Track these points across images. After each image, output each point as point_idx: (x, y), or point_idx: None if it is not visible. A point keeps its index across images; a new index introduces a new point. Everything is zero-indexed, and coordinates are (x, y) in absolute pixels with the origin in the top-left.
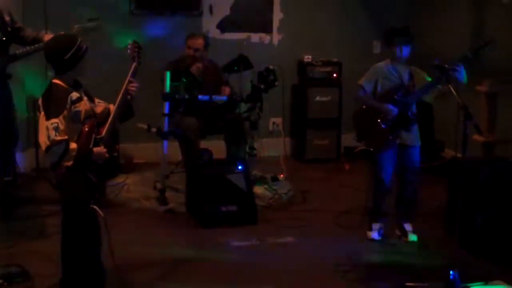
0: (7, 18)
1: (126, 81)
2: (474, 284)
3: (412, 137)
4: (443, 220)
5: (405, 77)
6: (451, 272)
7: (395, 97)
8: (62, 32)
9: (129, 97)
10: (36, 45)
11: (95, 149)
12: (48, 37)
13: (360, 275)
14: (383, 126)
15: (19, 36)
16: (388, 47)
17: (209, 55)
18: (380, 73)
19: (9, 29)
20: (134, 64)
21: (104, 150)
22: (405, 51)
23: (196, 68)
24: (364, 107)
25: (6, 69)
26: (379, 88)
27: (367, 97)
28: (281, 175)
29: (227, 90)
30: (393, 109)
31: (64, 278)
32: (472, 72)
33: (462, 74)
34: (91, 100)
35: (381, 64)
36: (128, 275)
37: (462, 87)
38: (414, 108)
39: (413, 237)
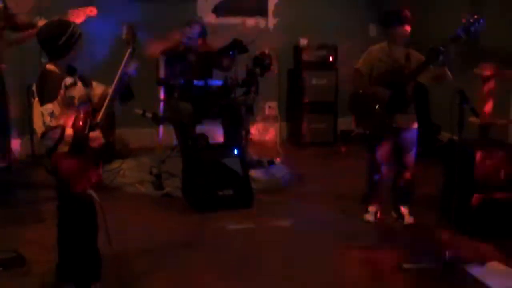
0: (0, 5)
1: (122, 65)
2: (471, 265)
3: (408, 119)
4: (439, 203)
5: (401, 59)
6: (447, 253)
7: (389, 79)
8: (56, 18)
9: (127, 78)
10: (30, 31)
11: (91, 134)
12: (42, 23)
13: (357, 257)
14: (379, 109)
15: (14, 22)
16: (385, 29)
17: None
18: (376, 56)
19: (3, 15)
20: (129, 49)
21: (100, 135)
22: (402, 33)
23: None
24: (360, 91)
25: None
26: (374, 70)
27: (363, 81)
28: (277, 159)
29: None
30: (386, 92)
31: (60, 263)
32: (469, 55)
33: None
34: (87, 84)
35: (377, 47)
36: (124, 260)
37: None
38: (409, 89)
39: (409, 220)
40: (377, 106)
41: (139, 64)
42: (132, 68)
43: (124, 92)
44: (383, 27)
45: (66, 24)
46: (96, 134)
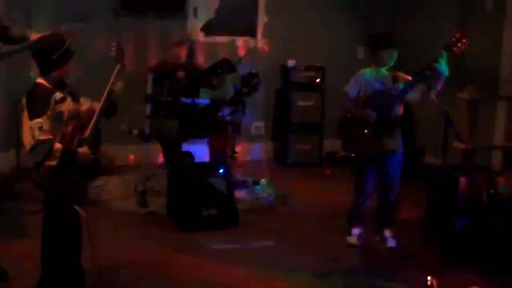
0: None
1: (110, 82)
2: None
3: (395, 143)
4: (422, 226)
5: (388, 82)
6: (428, 278)
7: (375, 102)
8: (51, 32)
9: (113, 95)
10: (23, 44)
11: (79, 150)
12: (35, 36)
13: (339, 279)
14: (367, 132)
15: (6, 35)
16: (372, 53)
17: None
18: (363, 79)
19: None
20: (118, 66)
21: (88, 151)
22: (389, 56)
23: (181, 74)
24: (348, 115)
25: None
26: (362, 93)
27: (351, 104)
28: (263, 179)
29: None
30: (372, 114)
31: (43, 278)
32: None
33: (442, 67)
34: (75, 99)
35: (365, 70)
36: (107, 276)
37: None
38: (396, 112)
39: (392, 243)
40: (366, 130)
41: (126, 81)
42: (118, 87)
43: (109, 108)
44: (370, 50)
45: (62, 40)
46: (84, 150)
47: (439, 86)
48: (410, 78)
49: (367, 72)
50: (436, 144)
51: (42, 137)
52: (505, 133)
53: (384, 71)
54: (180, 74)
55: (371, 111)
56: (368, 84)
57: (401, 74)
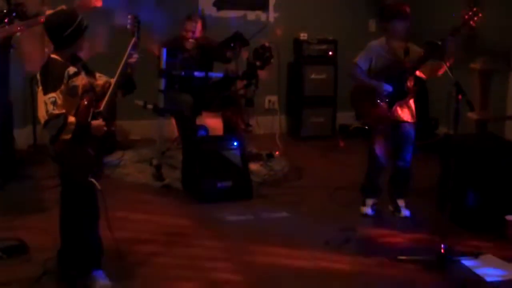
0: None
1: (126, 55)
2: (466, 257)
3: (408, 113)
4: (435, 196)
5: (400, 53)
6: (442, 246)
7: (388, 73)
8: (64, 7)
9: (129, 70)
10: (34, 19)
11: (94, 122)
12: (49, 12)
13: (353, 249)
14: (380, 103)
15: (22, 11)
16: (384, 24)
17: (206, 33)
18: (375, 51)
19: (12, 3)
20: (134, 39)
21: (103, 123)
22: (402, 28)
23: (190, 44)
24: (360, 85)
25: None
26: (374, 65)
27: (362, 75)
28: (277, 152)
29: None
30: (387, 87)
31: (62, 250)
32: (466, 50)
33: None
34: (90, 74)
35: (376, 42)
36: (125, 249)
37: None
38: (408, 83)
39: (405, 213)
40: (378, 101)
41: (141, 55)
42: (134, 59)
43: (127, 84)
44: (382, 22)
45: (73, 15)
46: (99, 122)
47: (450, 60)
48: (421, 50)
49: (378, 44)
50: (449, 115)
51: (56, 111)
52: None
53: (395, 43)
54: (189, 44)
55: (385, 84)
56: (379, 55)
57: (413, 46)
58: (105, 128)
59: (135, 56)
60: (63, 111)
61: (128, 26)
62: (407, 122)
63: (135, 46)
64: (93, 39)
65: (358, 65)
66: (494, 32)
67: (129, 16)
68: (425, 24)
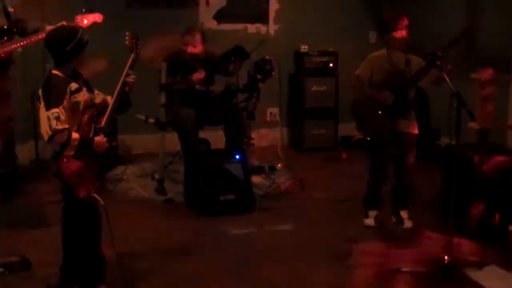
0: (10, 10)
1: (124, 73)
2: (470, 269)
3: (410, 124)
4: (438, 207)
5: (401, 64)
6: (446, 257)
7: (390, 84)
8: (65, 23)
9: (127, 88)
10: (35, 35)
11: (96, 138)
12: (50, 28)
13: (357, 261)
14: (381, 114)
15: (22, 28)
16: (384, 35)
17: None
18: (376, 62)
19: (12, 20)
20: (132, 55)
21: (104, 139)
22: (400, 38)
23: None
24: (362, 97)
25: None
26: (375, 77)
27: (363, 87)
28: (279, 165)
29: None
30: (390, 96)
31: (64, 265)
32: (467, 60)
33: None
34: (90, 90)
35: (377, 53)
36: (128, 263)
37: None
38: (410, 94)
39: (408, 224)
40: (380, 112)
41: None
42: (131, 79)
43: (123, 102)
44: (382, 34)
45: (74, 31)
46: (101, 139)
47: (450, 71)
48: (422, 60)
49: (379, 55)
50: (450, 125)
51: (60, 127)
52: None
53: (396, 53)
54: (197, 76)
55: (389, 93)
56: (380, 67)
57: (413, 57)
58: (107, 144)
59: (132, 76)
60: (67, 126)
61: (126, 43)
62: (409, 133)
63: (133, 63)
64: (94, 58)
65: (359, 77)
66: (494, 41)
67: (127, 33)
68: (425, 35)
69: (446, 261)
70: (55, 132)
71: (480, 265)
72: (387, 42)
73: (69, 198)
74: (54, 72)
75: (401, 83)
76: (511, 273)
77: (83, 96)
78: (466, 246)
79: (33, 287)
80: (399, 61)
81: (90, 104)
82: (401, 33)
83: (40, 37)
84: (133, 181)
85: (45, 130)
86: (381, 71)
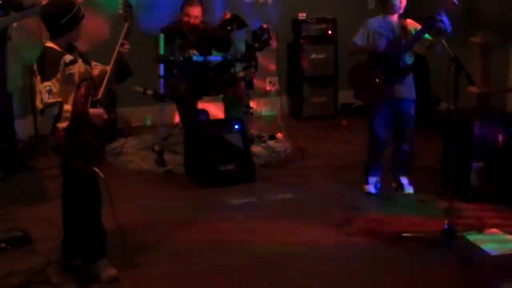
0: None
1: (119, 42)
2: (470, 233)
3: (406, 90)
4: (439, 172)
5: (397, 30)
6: (446, 222)
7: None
8: None
9: (123, 58)
10: (30, 9)
11: (92, 110)
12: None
13: (358, 227)
14: (376, 80)
15: (18, 3)
16: (381, 0)
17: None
18: (372, 27)
19: None
20: (126, 24)
21: (102, 111)
22: (398, 3)
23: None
24: (357, 63)
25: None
26: (371, 42)
27: (358, 47)
28: (279, 134)
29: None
30: (380, 45)
31: (65, 240)
32: (466, 24)
33: (446, 23)
34: (86, 62)
35: (373, 19)
36: (129, 235)
37: (453, 38)
38: (406, 60)
39: (409, 190)
40: (377, 79)
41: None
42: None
43: (122, 71)
44: None
45: (70, 4)
46: (99, 111)
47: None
48: (418, 25)
49: (375, 21)
50: (450, 90)
51: (51, 100)
52: None
53: (393, 19)
54: (192, 33)
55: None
56: (376, 32)
57: (410, 21)
58: (105, 116)
59: (126, 46)
60: (59, 99)
61: (120, 12)
62: (406, 99)
63: (128, 32)
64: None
65: (355, 43)
66: (494, 5)
67: (120, 1)
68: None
69: (446, 226)
70: (46, 106)
71: (480, 229)
72: (383, 7)
73: (68, 171)
74: (49, 45)
75: (397, 48)
76: (511, 237)
77: (78, 68)
78: (466, 211)
79: (35, 261)
80: (395, 27)
81: (87, 76)
82: None
83: (34, 9)
84: (133, 154)
85: (38, 103)
86: (376, 36)
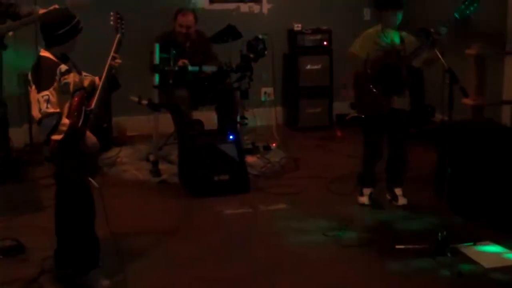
0: None
1: (111, 54)
2: (463, 245)
3: (403, 101)
4: (432, 184)
5: (396, 42)
6: (439, 234)
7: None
8: (56, 7)
9: (113, 71)
10: (27, 18)
11: (89, 134)
12: (42, 11)
13: (351, 239)
14: (375, 91)
15: (14, 12)
16: (379, 13)
17: (198, 25)
18: (371, 39)
19: (4, 4)
20: (118, 36)
21: (96, 140)
22: (394, 17)
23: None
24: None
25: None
26: (370, 54)
27: (358, 64)
28: (273, 144)
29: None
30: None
31: (58, 250)
32: (461, 36)
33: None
34: (78, 72)
35: (372, 30)
36: (123, 245)
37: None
38: (405, 72)
39: (403, 201)
40: (375, 89)
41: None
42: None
43: (111, 83)
44: (377, 11)
45: (70, 17)
46: (92, 138)
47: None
48: (416, 40)
49: (374, 32)
50: (444, 102)
51: (50, 110)
52: None
53: (391, 31)
54: (187, 43)
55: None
56: (375, 43)
57: (408, 36)
58: (98, 145)
59: (118, 61)
60: (58, 110)
61: (111, 23)
62: (402, 110)
63: (119, 44)
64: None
65: (354, 54)
66: (488, 17)
67: (111, 13)
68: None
69: (439, 238)
70: (45, 115)
71: (473, 241)
72: (381, 19)
73: (62, 181)
74: (43, 54)
75: (395, 60)
76: (504, 249)
77: (73, 78)
78: (460, 222)
79: (28, 271)
80: (394, 38)
81: (80, 86)
82: (394, 11)
83: (31, 18)
84: (128, 163)
85: (36, 113)
86: (376, 48)
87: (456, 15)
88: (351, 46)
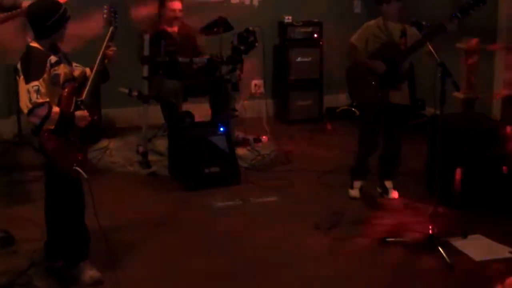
0: None
1: (104, 45)
2: (454, 238)
3: (401, 96)
4: (423, 177)
5: (397, 35)
6: (430, 227)
7: (384, 54)
8: None
9: (106, 61)
10: (14, 11)
11: (77, 113)
12: (26, 3)
13: (342, 232)
14: (372, 83)
15: None
16: (377, 6)
17: (188, 17)
18: (371, 31)
19: None
20: (111, 28)
21: (86, 113)
22: (394, 9)
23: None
24: (355, 64)
25: None
26: (370, 46)
27: (358, 54)
28: (264, 136)
29: None
30: (381, 66)
31: (48, 242)
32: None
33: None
34: (69, 63)
35: (373, 22)
36: (112, 237)
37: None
38: (405, 66)
39: (393, 194)
40: (373, 82)
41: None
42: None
43: (102, 74)
44: (376, 4)
45: (57, 6)
46: (82, 113)
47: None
48: (418, 32)
49: (375, 24)
50: (435, 95)
51: (40, 100)
52: (504, 82)
53: (392, 23)
54: (176, 34)
55: (381, 62)
56: (375, 36)
57: (410, 28)
58: (89, 118)
59: (112, 48)
60: (47, 99)
61: (104, 16)
62: (399, 104)
63: (112, 36)
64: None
65: (354, 45)
66: (479, 11)
67: (105, 6)
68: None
69: (430, 231)
70: (35, 106)
71: (464, 234)
72: (381, 12)
73: (51, 173)
74: (33, 44)
75: (394, 54)
76: (495, 242)
77: (63, 69)
78: (450, 216)
79: (17, 263)
80: (395, 32)
81: (70, 78)
82: (394, 3)
83: (18, 11)
84: (117, 155)
85: (24, 104)
86: (376, 40)
87: (458, 15)
88: (352, 37)
